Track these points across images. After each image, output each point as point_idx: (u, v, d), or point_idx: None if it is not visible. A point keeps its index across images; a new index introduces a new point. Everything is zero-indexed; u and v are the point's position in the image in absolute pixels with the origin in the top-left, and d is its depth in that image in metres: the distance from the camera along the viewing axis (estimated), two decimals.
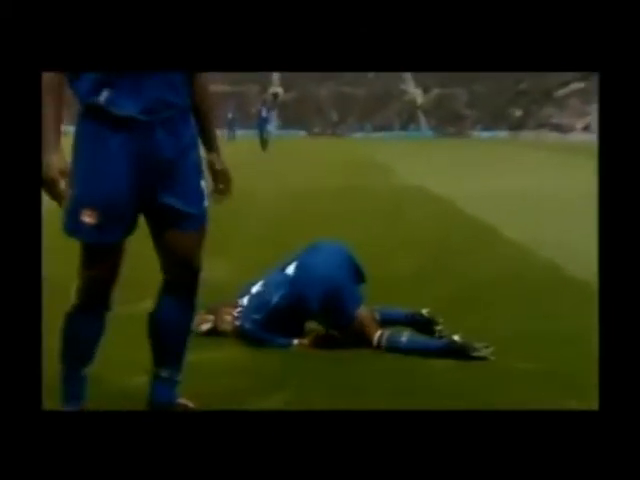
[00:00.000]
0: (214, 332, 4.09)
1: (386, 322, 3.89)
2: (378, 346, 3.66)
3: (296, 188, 12.50)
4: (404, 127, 52.88)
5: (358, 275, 3.89)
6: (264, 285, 4.01)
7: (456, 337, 3.54)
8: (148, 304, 2.78)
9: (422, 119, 53.63)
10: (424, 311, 3.90)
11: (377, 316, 3.87)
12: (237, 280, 4.54)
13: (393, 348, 3.62)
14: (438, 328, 3.82)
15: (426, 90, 54.70)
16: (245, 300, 4.03)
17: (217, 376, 3.36)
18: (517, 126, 51.29)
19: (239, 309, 4.03)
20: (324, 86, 54.26)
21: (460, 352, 3.49)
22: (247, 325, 3.93)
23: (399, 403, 2.91)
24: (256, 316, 3.91)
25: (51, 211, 2.56)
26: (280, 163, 19.72)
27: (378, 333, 3.69)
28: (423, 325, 3.87)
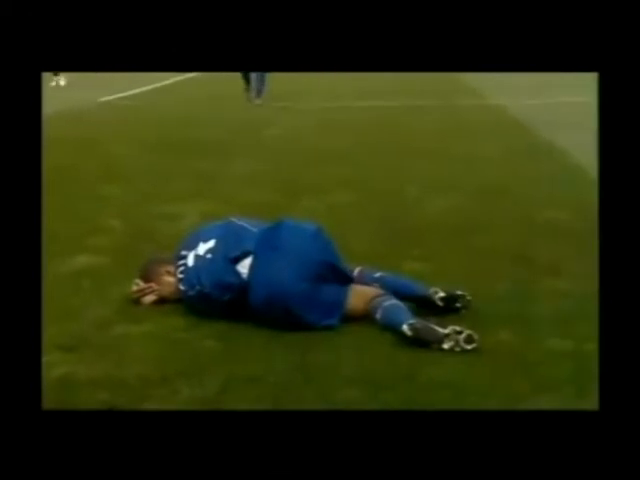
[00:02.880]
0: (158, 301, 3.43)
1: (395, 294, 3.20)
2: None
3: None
4: None
5: (335, 275, 3.18)
6: (212, 264, 3.19)
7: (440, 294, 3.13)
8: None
9: None
10: (441, 294, 3.23)
11: (376, 292, 3.17)
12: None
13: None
14: (458, 305, 3.24)
15: None
16: (190, 258, 3.26)
17: (145, 354, 2.93)
18: None
19: (181, 267, 3.30)
20: None
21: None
22: (192, 292, 3.23)
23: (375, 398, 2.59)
24: (202, 289, 3.21)
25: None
26: None
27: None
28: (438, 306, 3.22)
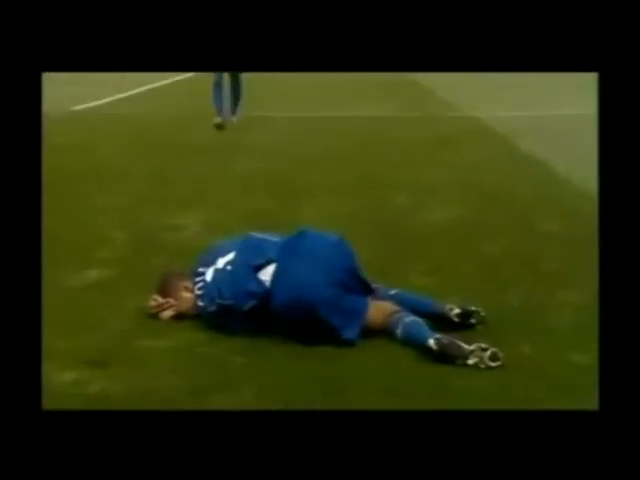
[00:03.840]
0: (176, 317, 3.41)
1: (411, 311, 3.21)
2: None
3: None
4: None
5: (356, 285, 3.18)
6: (233, 275, 3.19)
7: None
8: None
9: None
10: (457, 310, 3.23)
11: (394, 308, 3.17)
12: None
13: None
14: (472, 321, 3.23)
15: None
16: (209, 273, 3.28)
17: (175, 368, 2.92)
18: None
19: (200, 284, 3.31)
20: None
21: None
22: (212, 308, 3.23)
23: (383, 402, 2.61)
24: (222, 302, 3.21)
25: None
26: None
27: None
28: (454, 323, 3.21)
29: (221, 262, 3.26)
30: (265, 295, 3.09)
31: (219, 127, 10.30)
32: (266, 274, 3.13)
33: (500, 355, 2.84)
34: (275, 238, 3.33)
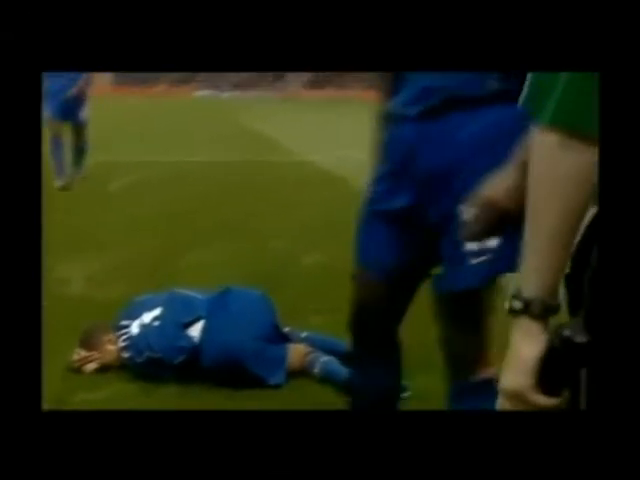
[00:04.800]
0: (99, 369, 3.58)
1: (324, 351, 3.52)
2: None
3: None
4: (270, 84, 47.99)
5: (276, 335, 3.36)
6: (161, 330, 3.36)
7: None
8: None
9: (290, 75, 48.55)
10: None
11: (308, 349, 3.48)
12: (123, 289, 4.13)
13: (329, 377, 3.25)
14: None
15: None
16: (134, 327, 3.45)
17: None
18: None
19: (124, 336, 3.53)
20: None
21: None
22: (139, 360, 3.42)
23: None
24: (152, 354, 3.40)
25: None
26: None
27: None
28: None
29: (147, 317, 3.51)
30: (194, 350, 3.37)
31: (63, 189, 10.03)
32: (195, 330, 3.37)
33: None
34: (199, 295, 3.58)
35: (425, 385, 2.74)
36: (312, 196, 8.58)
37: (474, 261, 1.80)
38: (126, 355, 3.53)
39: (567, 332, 1.00)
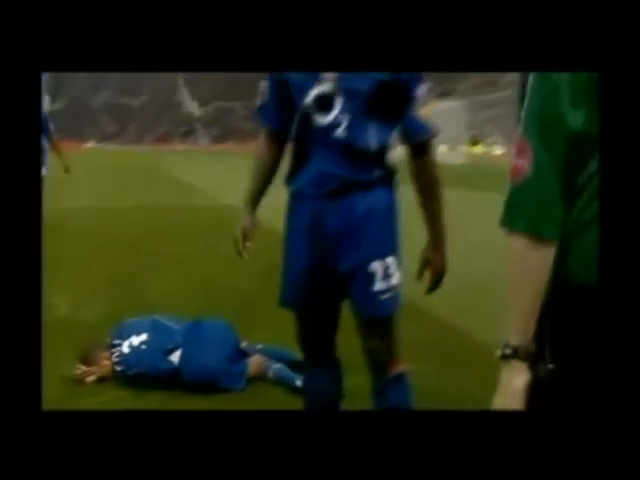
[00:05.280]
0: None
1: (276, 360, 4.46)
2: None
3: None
4: (184, 139, 53.17)
5: (238, 354, 4.38)
6: (148, 354, 4.24)
7: None
8: None
9: (200, 131, 54.84)
10: None
11: (263, 359, 4.40)
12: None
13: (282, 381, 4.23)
14: None
15: (203, 103, 56.44)
16: (125, 346, 4.31)
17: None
18: None
19: (117, 353, 4.36)
20: (97, 96, 55.19)
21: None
22: (129, 373, 4.29)
23: None
24: (140, 370, 4.24)
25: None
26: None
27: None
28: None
29: (136, 340, 4.33)
30: (175, 372, 4.20)
31: None
32: (175, 357, 4.24)
33: None
34: (177, 325, 4.46)
35: (355, 383, 3.33)
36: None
37: (383, 297, 2.45)
38: (118, 369, 4.36)
39: (551, 366, 1.43)
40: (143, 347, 4.30)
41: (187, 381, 4.22)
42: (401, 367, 2.59)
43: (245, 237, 2.78)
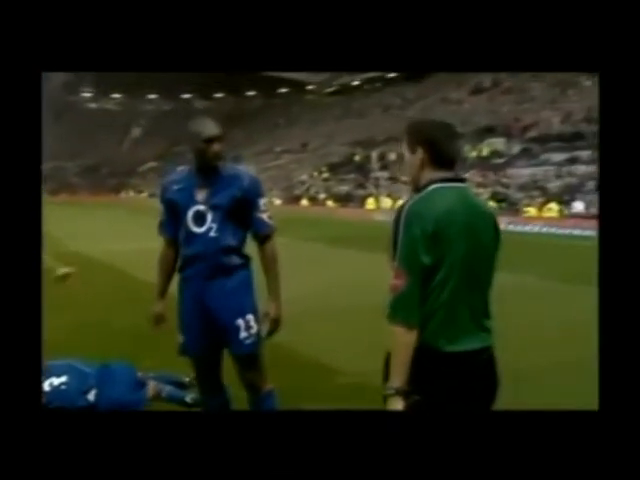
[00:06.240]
0: None
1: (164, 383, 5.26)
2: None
3: None
4: None
5: (138, 384, 5.14)
6: (67, 393, 4.83)
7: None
8: None
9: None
10: (187, 379, 5.03)
11: (155, 383, 5.09)
12: None
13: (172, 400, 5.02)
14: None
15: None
16: (46, 385, 4.83)
17: None
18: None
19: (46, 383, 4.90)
20: None
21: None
22: (51, 406, 4.68)
23: None
24: (59, 404, 4.69)
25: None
26: None
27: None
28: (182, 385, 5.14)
29: (56, 381, 4.91)
30: (91, 406, 4.79)
31: None
32: (91, 395, 4.86)
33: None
34: (88, 368, 5.08)
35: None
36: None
37: (247, 342, 3.46)
38: (44, 400, 4.79)
39: (417, 397, 2.18)
40: (63, 387, 5.01)
41: (101, 411, 4.97)
42: (269, 386, 3.63)
43: (159, 320, 3.65)
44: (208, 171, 3.35)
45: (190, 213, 3.39)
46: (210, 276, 3.43)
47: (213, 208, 3.36)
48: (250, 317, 3.48)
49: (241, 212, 3.39)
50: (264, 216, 3.47)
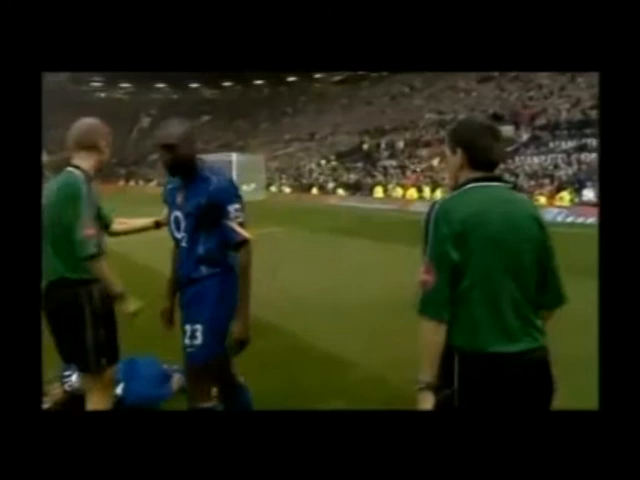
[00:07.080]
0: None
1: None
2: None
3: None
4: None
5: (165, 378, 5.17)
6: None
7: None
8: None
9: None
10: (175, 367, 5.00)
11: (180, 375, 4.92)
12: None
13: None
14: None
15: None
16: (74, 377, 4.82)
17: None
18: None
19: (69, 383, 4.93)
20: None
21: None
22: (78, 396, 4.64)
23: None
24: None
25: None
26: None
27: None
28: None
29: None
30: (119, 400, 4.74)
31: None
32: (119, 389, 4.80)
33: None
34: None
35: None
36: None
37: (188, 350, 3.30)
38: (68, 389, 4.90)
39: (448, 392, 2.17)
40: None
41: (129, 406, 4.96)
42: (211, 402, 3.46)
43: (166, 316, 3.57)
44: (184, 173, 3.25)
45: (172, 218, 3.36)
46: (183, 284, 3.41)
47: (186, 216, 3.30)
48: (198, 327, 3.34)
49: (210, 219, 3.25)
50: (233, 224, 3.27)
